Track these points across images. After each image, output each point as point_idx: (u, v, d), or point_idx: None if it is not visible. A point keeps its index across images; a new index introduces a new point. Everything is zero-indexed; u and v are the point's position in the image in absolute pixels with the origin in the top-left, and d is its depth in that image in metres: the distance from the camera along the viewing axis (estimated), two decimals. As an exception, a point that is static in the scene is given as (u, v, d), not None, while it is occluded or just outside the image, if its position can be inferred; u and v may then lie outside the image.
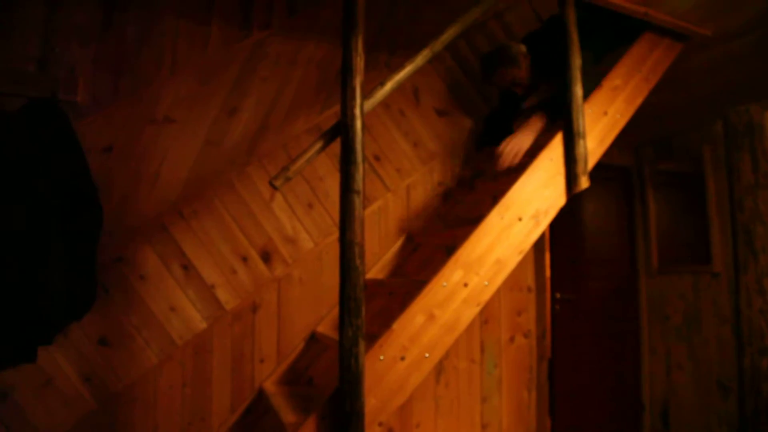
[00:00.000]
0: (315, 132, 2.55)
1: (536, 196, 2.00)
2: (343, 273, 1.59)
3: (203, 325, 2.33)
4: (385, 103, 2.65)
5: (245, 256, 2.41)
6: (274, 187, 1.69)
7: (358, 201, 1.63)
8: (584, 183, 2.05)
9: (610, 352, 3.60)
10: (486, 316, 2.71)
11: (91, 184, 2.14)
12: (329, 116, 2.61)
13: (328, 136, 1.75)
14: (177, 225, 2.34)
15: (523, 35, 2.70)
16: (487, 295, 1.87)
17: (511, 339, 2.81)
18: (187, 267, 2.33)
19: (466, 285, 1.82)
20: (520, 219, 1.96)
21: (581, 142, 2.05)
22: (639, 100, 2.27)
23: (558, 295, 3.34)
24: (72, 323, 2.13)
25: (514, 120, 2.54)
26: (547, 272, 3.12)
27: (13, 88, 2.11)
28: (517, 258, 1.95)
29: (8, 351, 2.03)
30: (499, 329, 2.78)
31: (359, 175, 1.64)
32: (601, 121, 2.17)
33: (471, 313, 1.83)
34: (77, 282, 2.10)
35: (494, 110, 2.94)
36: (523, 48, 2.49)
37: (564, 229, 3.38)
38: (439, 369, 2.58)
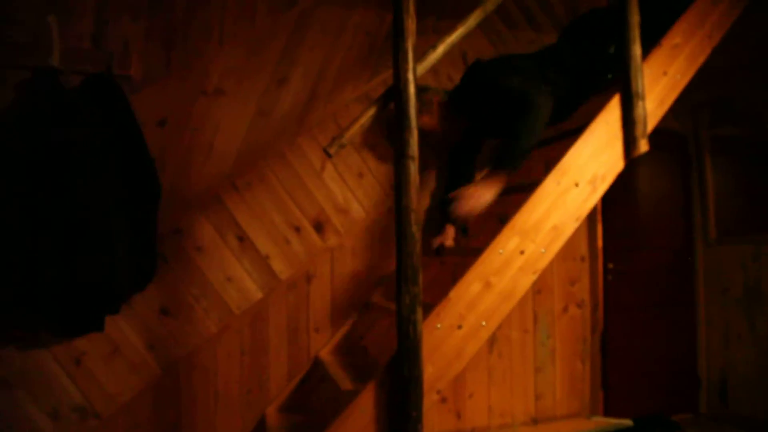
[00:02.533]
0: (364, 100, 2.53)
1: (593, 161, 1.93)
2: (400, 240, 1.58)
3: (259, 295, 2.38)
4: (433, 69, 2.59)
5: (298, 227, 2.44)
6: (328, 155, 1.68)
7: (413, 167, 1.61)
8: (643, 146, 1.97)
9: (665, 324, 3.50)
10: (539, 286, 2.67)
11: (148, 157, 2.18)
12: (377, 84, 2.59)
13: (381, 102, 1.73)
14: (231, 196, 2.37)
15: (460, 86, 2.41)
16: (543, 263, 1.83)
17: (565, 309, 2.77)
18: (242, 238, 2.37)
19: (522, 252, 1.79)
20: (576, 185, 1.90)
21: (640, 103, 1.97)
22: (701, 59, 2.16)
23: (610, 266, 3.26)
24: (136, 294, 2.21)
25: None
26: (599, 242, 3.05)
27: (70, 65, 2.15)
28: (574, 225, 1.90)
29: (79, 320, 2.13)
30: (552, 299, 2.74)
31: (413, 140, 1.62)
32: (660, 82, 2.07)
33: (527, 280, 1.80)
34: (139, 254, 2.16)
35: (453, 148, 2.57)
36: (436, 96, 2.36)
37: (616, 197, 3.27)
38: (492, 339, 2.56)
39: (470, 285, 1.71)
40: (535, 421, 2.67)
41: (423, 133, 2.18)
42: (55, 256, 2.00)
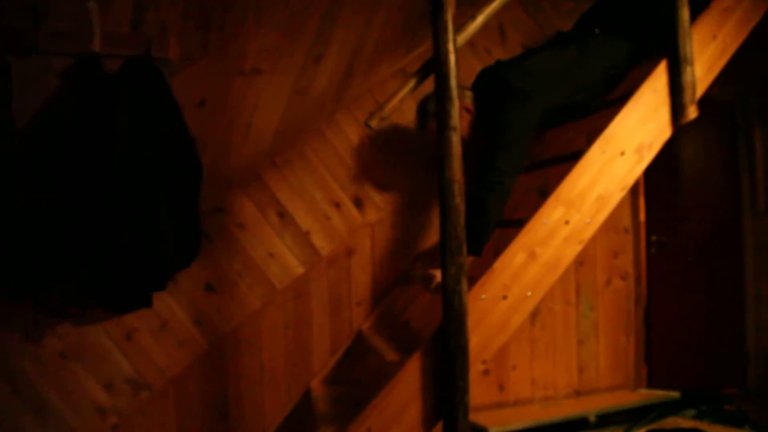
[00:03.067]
0: (400, 76, 2.51)
1: (639, 129, 1.89)
2: (444, 212, 1.58)
3: (300, 270, 2.41)
4: (470, 42, 2.56)
5: (338, 203, 2.45)
6: (369, 128, 1.68)
7: (455, 138, 1.60)
8: (692, 113, 1.91)
9: (711, 297, 3.41)
10: (582, 257, 2.63)
11: (189, 137, 2.22)
12: (413, 59, 2.56)
13: (421, 74, 1.72)
14: (271, 174, 2.40)
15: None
16: (589, 233, 1.81)
17: (608, 281, 2.73)
18: (282, 214, 2.40)
19: (567, 222, 1.77)
20: (622, 153, 1.86)
21: (689, 69, 1.90)
22: (752, 23, 2.07)
23: (654, 238, 3.19)
24: (181, 271, 2.26)
25: None
26: (642, 213, 2.98)
27: (111, 50, 2.19)
28: (620, 195, 1.87)
29: (128, 297, 2.20)
30: (595, 271, 2.70)
31: (455, 111, 1.60)
32: (709, 47, 2.00)
33: (573, 251, 1.78)
34: (184, 232, 2.21)
35: None
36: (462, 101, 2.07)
37: (660, 168, 3.19)
38: (535, 312, 2.55)
39: (515, 256, 1.70)
40: (578, 394, 2.65)
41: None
42: (104, 235, 2.06)
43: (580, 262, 2.66)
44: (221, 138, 2.36)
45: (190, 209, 2.22)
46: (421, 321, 2.20)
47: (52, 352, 2.23)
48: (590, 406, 2.48)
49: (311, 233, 2.43)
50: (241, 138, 2.38)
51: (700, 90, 1.95)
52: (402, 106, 1.85)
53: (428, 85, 1.73)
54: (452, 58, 1.61)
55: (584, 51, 2.14)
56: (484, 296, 1.66)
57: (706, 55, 1.98)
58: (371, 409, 1.64)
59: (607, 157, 1.83)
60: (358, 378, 2.41)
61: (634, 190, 2.86)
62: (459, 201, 1.57)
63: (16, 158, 2.03)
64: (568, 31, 2.55)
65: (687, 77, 1.90)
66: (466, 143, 2.04)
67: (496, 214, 1.87)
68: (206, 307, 2.34)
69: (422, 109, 2.20)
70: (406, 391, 1.64)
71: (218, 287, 2.35)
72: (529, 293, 1.71)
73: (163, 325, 2.31)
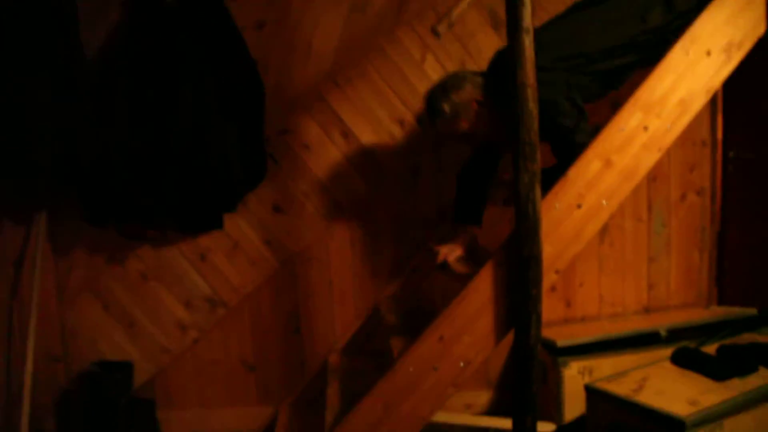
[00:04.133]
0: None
1: (728, 26, 1.74)
2: (517, 118, 1.52)
3: (366, 189, 2.43)
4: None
5: (402, 120, 2.42)
6: (436, 34, 1.63)
7: (527, 40, 1.51)
8: (792, 6, 1.75)
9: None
10: (654, 173, 2.51)
11: (250, 60, 2.22)
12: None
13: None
14: (333, 94, 2.37)
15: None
16: (669, 140, 1.72)
17: (682, 197, 2.61)
18: (346, 134, 2.40)
19: (645, 129, 1.68)
20: (708, 53, 1.73)
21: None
22: None
23: (731, 154, 3.02)
24: (249, 192, 2.32)
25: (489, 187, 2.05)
26: (720, 127, 2.80)
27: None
28: (704, 99, 1.76)
29: (200, 219, 2.29)
30: (669, 186, 2.59)
31: (527, 11, 1.51)
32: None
33: (651, 159, 1.70)
34: (250, 154, 2.26)
35: (466, 165, 2.11)
36: (464, 93, 1.80)
37: (740, 76, 2.96)
38: (604, 228, 2.49)
39: (590, 163, 1.64)
40: (647, 310, 2.61)
41: (463, 140, 1.95)
42: (175, 160, 2.12)
43: (653, 177, 2.54)
44: (282, 60, 2.35)
45: (255, 132, 2.26)
46: (488, 236, 2.17)
47: (134, 273, 2.38)
48: (661, 322, 2.44)
49: (375, 152, 2.42)
50: (302, 59, 2.36)
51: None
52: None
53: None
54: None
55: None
56: (557, 205, 1.62)
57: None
58: (443, 318, 1.67)
59: (691, 59, 1.71)
60: (425, 295, 2.45)
61: (712, 101, 2.68)
62: (532, 106, 1.51)
63: (89, 88, 2.10)
64: None
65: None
66: (486, 139, 1.91)
67: None
68: (275, 227, 2.41)
69: (429, 104, 1.90)
70: (477, 300, 1.66)
71: (286, 208, 2.40)
72: (604, 202, 1.66)
73: (235, 245, 2.39)
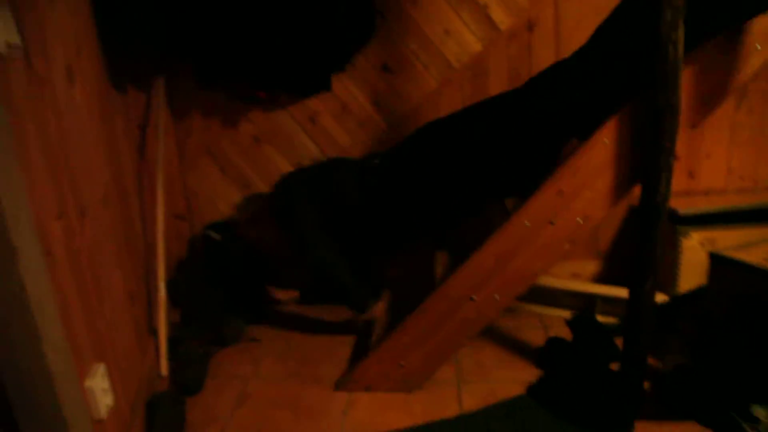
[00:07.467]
0: None
1: None
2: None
3: (478, 47, 2.29)
4: None
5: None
6: None
7: None
8: None
9: None
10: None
11: None
12: None
13: None
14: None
15: None
16: None
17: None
18: (457, -13, 2.24)
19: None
20: None
21: None
22: None
23: None
24: (357, 51, 2.27)
25: None
26: None
27: None
28: None
29: (309, 80, 2.29)
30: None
31: None
32: None
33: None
34: (358, 10, 2.18)
35: None
36: None
37: None
38: (742, 93, 2.23)
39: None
40: (782, 186, 2.39)
41: None
42: (280, 17, 2.09)
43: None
44: None
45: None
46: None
47: (247, 137, 2.45)
48: (796, 198, 2.23)
49: (489, 6, 2.23)
50: None
51: None
52: None
53: None
54: None
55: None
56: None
57: None
58: (563, 172, 1.61)
59: None
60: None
61: None
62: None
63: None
64: None
65: None
66: None
67: None
68: (383, 88, 2.36)
69: None
70: (601, 154, 1.58)
71: (394, 67, 2.33)
72: (759, 46, 1.47)
73: (343, 107, 2.39)
